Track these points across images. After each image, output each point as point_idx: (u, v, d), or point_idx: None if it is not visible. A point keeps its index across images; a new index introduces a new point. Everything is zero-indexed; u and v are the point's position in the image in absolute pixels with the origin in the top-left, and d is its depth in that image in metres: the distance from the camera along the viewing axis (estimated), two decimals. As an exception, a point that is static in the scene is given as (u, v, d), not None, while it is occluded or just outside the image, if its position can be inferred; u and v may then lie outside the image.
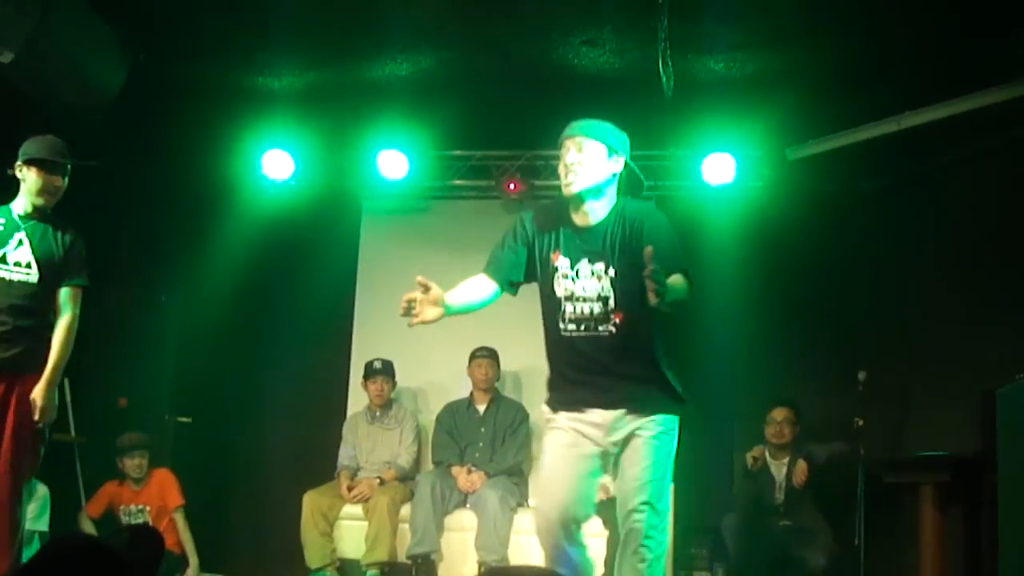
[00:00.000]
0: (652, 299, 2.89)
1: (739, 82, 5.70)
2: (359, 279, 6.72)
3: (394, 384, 6.19)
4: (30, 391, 3.93)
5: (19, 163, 4.02)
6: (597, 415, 3.27)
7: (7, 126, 4.22)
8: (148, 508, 5.61)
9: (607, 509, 3.59)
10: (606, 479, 3.43)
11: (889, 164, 5.97)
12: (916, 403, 5.71)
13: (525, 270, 3.37)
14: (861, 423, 5.40)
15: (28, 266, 4.00)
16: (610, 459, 3.31)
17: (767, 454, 5.76)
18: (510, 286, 3.37)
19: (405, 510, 5.65)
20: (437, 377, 6.53)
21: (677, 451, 3.32)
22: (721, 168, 6.20)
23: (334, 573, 5.66)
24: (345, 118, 6.32)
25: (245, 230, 6.35)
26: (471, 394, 6.12)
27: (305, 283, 6.56)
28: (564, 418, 3.33)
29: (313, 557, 5.62)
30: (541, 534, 3.30)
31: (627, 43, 5.33)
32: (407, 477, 5.94)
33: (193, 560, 5.61)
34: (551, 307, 3.33)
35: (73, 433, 5.82)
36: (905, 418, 5.77)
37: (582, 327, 3.27)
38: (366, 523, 5.60)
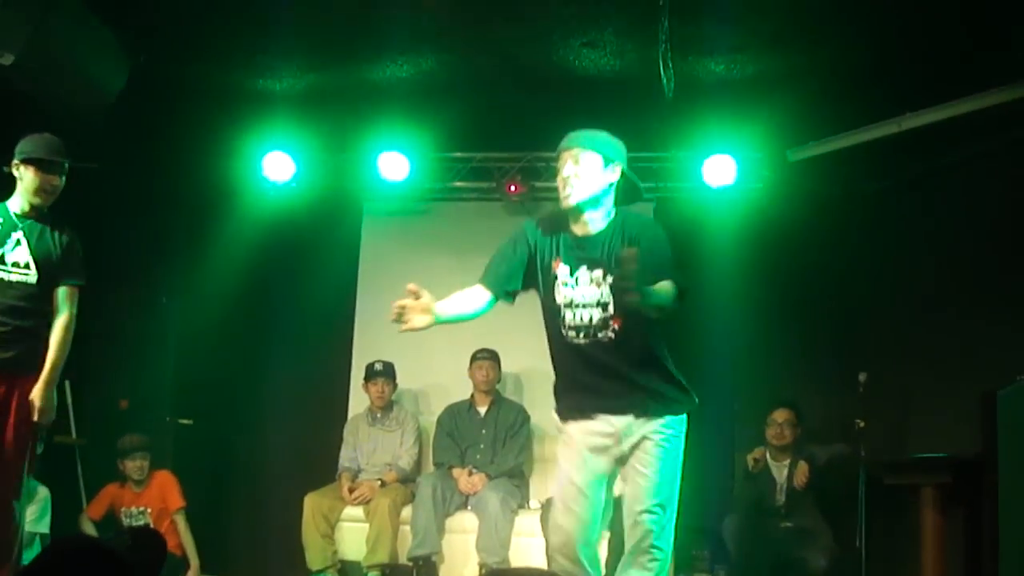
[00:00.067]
0: (628, 297, 2.94)
1: (740, 84, 5.70)
2: (360, 281, 6.72)
3: (395, 386, 6.19)
4: (31, 392, 3.92)
5: (16, 161, 3.99)
6: (607, 423, 3.31)
7: (8, 128, 4.20)
8: (149, 510, 5.61)
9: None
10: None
11: (890, 166, 5.96)
12: (917, 405, 5.70)
13: (525, 278, 3.38)
14: (862, 424, 5.42)
15: (26, 266, 3.97)
16: (622, 462, 3.35)
17: (768, 455, 5.76)
18: (507, 295, 3.39)
19: (406, 512, 5.65)
20: (438, 379, 6.52)
21: (677, 452, 3.36)
22: (722, 170, 6.19)
23: (335, 575, 5.66)
24: (346, 120, 6.33)
25: (246, 232, 6.35)
26: (472, 396, 6.12)
27: (306, 285, 6.55)
28: (576, 430, 3.36)
29: (314, 559, 5.62)
30: (556, 550, 3.31)
31: (628, 45, 5.33)
32: (408, 479, 5.94)
33: (194, 562, 5.61)
34: (552, 315, 3.35)
35: (74, 435, 5.83)
36: (906, 419, 5.77)
37: (582, 334, 3.29)
38: (367, 525, 5.60)
